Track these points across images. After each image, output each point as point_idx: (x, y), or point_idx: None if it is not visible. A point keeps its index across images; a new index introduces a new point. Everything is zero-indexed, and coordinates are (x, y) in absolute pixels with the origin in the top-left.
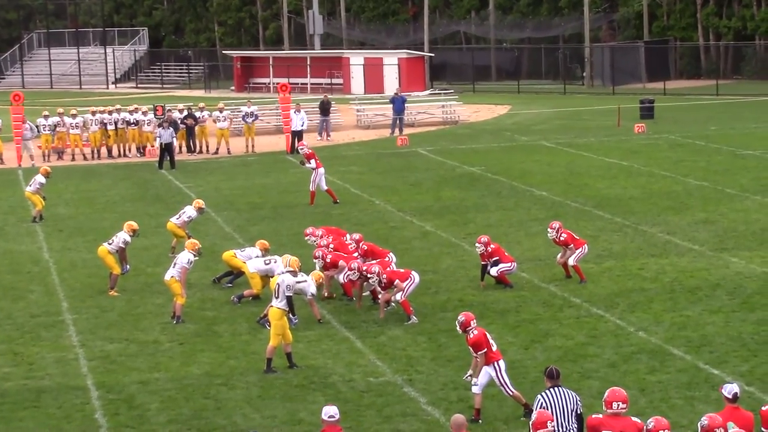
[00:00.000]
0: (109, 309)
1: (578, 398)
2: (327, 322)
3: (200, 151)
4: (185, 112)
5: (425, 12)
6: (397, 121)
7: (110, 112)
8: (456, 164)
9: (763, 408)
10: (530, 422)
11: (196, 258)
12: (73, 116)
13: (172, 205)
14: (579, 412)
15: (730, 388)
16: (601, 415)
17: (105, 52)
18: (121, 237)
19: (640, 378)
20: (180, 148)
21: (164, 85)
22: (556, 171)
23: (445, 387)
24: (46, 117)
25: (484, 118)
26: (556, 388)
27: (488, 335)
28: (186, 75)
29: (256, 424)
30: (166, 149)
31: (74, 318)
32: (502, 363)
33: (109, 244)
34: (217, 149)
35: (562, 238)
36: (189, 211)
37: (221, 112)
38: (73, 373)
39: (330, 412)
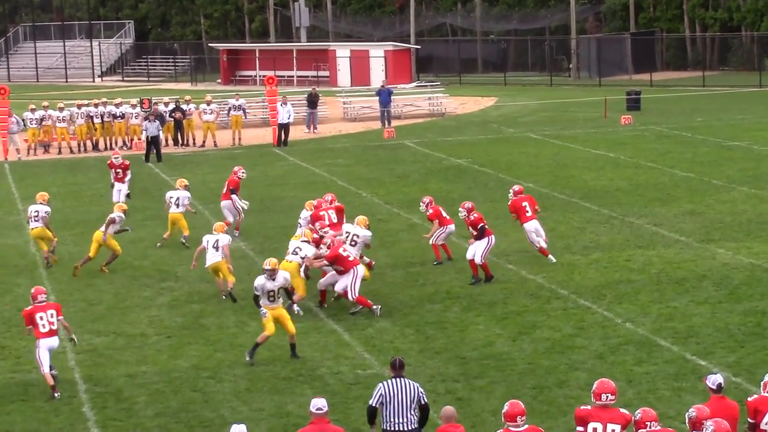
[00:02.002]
0: (97, 302)
1: (420, 389)
2: (314, 315)
3: (187, 144)
4: (172, 105)
5: (411, 4)
6: (385, 113)
7: (96, 105)
8: (443, 156)
9: (749, 399)
10: (503, 412)
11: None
12: (60, 110)
13: (159, 198)
14: (423, 402)
15: (714, 379)
16: (589, 407)
17: (91, 45)
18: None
19: (628, 369)
20: (167, 141)
21: (150, 78)
22: (543, 163)
23: (433, 379)
24: (32, 110)
25: (471, 111)
26: (398, 379)
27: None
28: (172, 68)
29: (244, 417)
30: (153, 142)
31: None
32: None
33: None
34: (204, 142)
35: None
36: (181, 195)
37: (208, 105)
38: (60, 367)
39: (318, 404)
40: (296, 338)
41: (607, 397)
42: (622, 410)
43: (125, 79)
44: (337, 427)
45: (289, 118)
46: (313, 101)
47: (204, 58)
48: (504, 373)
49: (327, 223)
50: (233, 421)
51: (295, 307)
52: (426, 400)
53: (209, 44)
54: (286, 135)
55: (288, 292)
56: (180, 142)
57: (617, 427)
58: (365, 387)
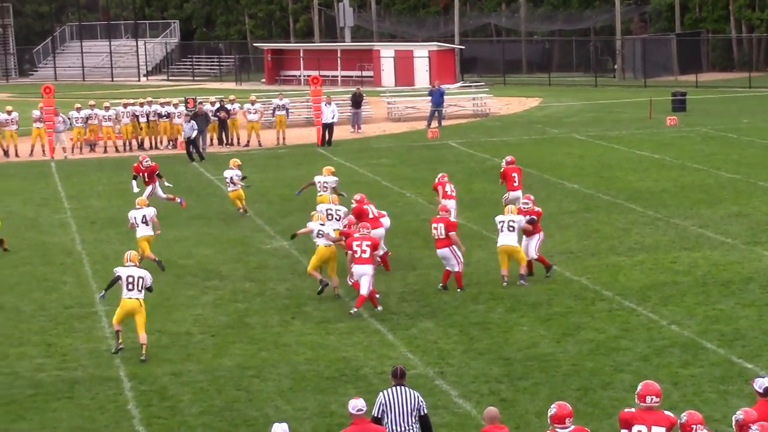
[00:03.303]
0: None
1: (421, 399)
2: (358, 315)
3: (232, 144)
4: (217, 105)
5: (456, 4)
6: (435, 113)
7: (142, 105)
8: (487, 157)
9: None
10: (549, 415)
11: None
12: (106, 109)
13: (204, 197)
14: (423, 412)
15: (762, 382)
16: (633, 409)
17: (137, 45)
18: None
19: (673, 372)
20: (211, 140)
21: (195, 78)
22: (588, 163)
23: (477, 380)
24: (78, 109)
25: (515, 111)
26: (398, 387)
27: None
28: (217, 67)
29: (288, 416)
30: (191, 143)
31: (107, 309)
32: None
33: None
34: (248, 142)
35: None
36: (233, 174)
37: (252, 104)
38: (105, 365)
39: (357, 405)
40: (340, 338)
41: (652, 399)
42: (667, 413)
43: (170, 78)
44: (379, 427)
45: (333, 118)
46: (357, 101)
47: (249, 58)
48: (548, 375)
49: (371, 217)
50: (276, 420)
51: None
52: (426, 411)
53: (254, 44)
54: (330, 135)
55: None
56: (224, 141)
57: (662, 430)
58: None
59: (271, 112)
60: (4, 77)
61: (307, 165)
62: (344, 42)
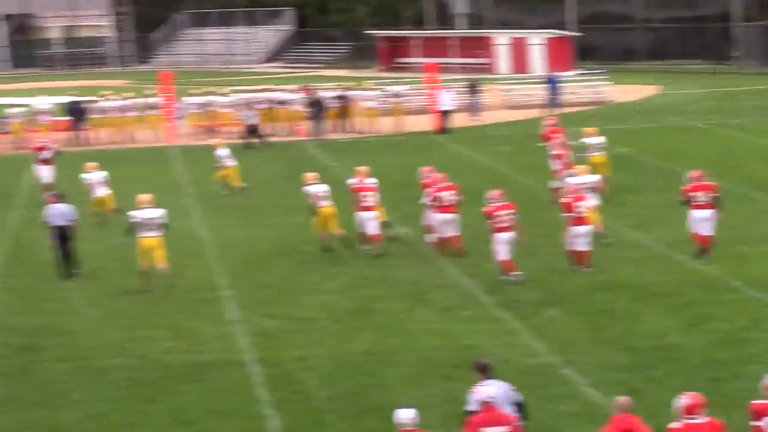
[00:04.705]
0: (267, 285)
1: (512, 387)
2: (483, 303)
3: (349, 131)
4: (334, 92)
5: None
6: (552, 101)
7: (259, 92)
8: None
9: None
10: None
11: None
12: (224, 95)
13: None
14: (518, 400)
15: None
16: (765, 401)
17: (253, 32)
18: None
19: None
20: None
21: (310, 65)
22: (709, 152)
23: (604, 369)
24: (193, 96)
25: (633, 99)
26: (489, 380)
27: None
28: (332, 55)
29: (416, 402)
30: (251, 131)
31: (233, 294)
32: None
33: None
34: (365, 129)
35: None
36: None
37: (369, 92)
38: (233, 348)
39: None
40: (465, 326)
41: None
42: None
43: (286, 65)
44: (507, 414)
45: (450, 105)
46: (473, 88)
47: (363, 45)
48: (677, 365)
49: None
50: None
51: None
52: (520, 397)
53: (369, 31)
54: (447, 122)
55: None
56: (341, 128)
57: None
58: (534, 375)
59: (388, 99)
60: (123, 64)
61: (424, 153)
62: (458, 29)
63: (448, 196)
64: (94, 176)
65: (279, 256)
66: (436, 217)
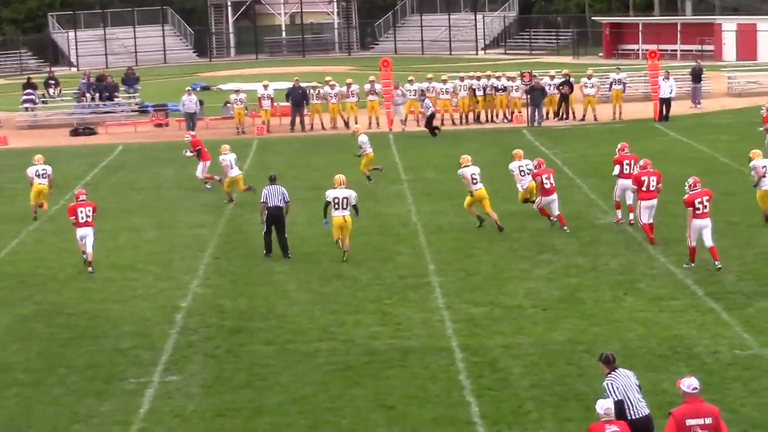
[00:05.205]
0: (475, 273)
1: (634, 374)
2: (693, 293)
3: (567, 118)
4: (555, 79)
5: None
6: None
7: (479, 78)
8: None
9: None
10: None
11: None
12: (443, 82)
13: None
14: (638, 383)
15: None
16: None
17: (475, 19)
18: None
19: None
20: (547, 114)
21: (532, 52)
22: None
23: None
24: (410, 82)
25: None
26: (617, 370)
27: None
28: (554, 41)
29: None
30: (430, 120)
31: (440, 280)
32: None
33: None
34: (584, 116)
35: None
36: (230, 159)
37: (589, 78)
38: (438, 335)
39: (692, 383)
40: (673, 316)
41: None
42: None
43: (507, 52)
44: (712, 406)
45: (670, 93)
46: (696, 75)
47: (587, 32)
48: None
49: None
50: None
51: None
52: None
53: (592, 17)
54: (668, 110)
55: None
56: (562, 115)
57: None
58: (743, 368)
59: (608, 86)
60: (346, 50)
61: (643, 140)
62: (684, 15)
63: (652, 182)
64: (229, 157)
65: (488, 243)
66: (640, 203)
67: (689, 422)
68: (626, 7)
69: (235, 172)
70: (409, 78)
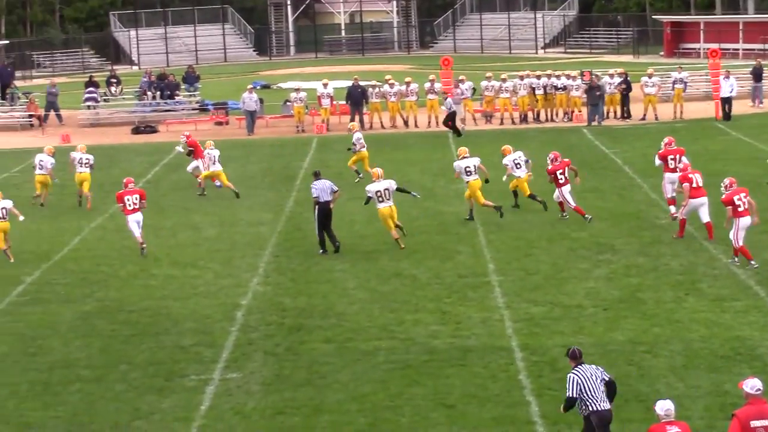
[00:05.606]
0: (534, 272)
1: (602, 369)
2: (755, 294)
3: (629, 117)
4: (615, 78)
5: None
6: None
7: (539, 77)
8: None
9: None
10: None
11: None
12: (503, 80)
13: (598, 170)
14: (607, 378)
15: None
16: None
17: (534, 17)
18: None
19: None
20: (607, 113)
21: (592, 50)
22: None
23: None
24: (462, 81)
25: None
26: (582, 365)
27: None
28: (615, 40)
29: (680, 393)
30: (450, 117)
31: (500, 279)
32: None
33: None
34: (645, 115)
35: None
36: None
37: (650, 77)
38: (498, 334)
39: (756, 384)
40: (735, 317)
41: None
42: None
43: (567, 51)
44: None
45: (731, 92)
46: (757, 75)
47: (647, 30)
48: None
49: (694, 185)
50: (667, 397)
51: None
52: (609, 376)
53: (653, 16)
54: (729, 109)
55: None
56: (623, 114)
57: None
58: None
59: (670, 85)
60: (406, 49)
61: (704, 140)
62: (747, 14)
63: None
64: (213, 153)
65: (548, 242)
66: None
67: (753, 424)
68: (687, 5)
69: (216, 167)
70: (460, 77)
